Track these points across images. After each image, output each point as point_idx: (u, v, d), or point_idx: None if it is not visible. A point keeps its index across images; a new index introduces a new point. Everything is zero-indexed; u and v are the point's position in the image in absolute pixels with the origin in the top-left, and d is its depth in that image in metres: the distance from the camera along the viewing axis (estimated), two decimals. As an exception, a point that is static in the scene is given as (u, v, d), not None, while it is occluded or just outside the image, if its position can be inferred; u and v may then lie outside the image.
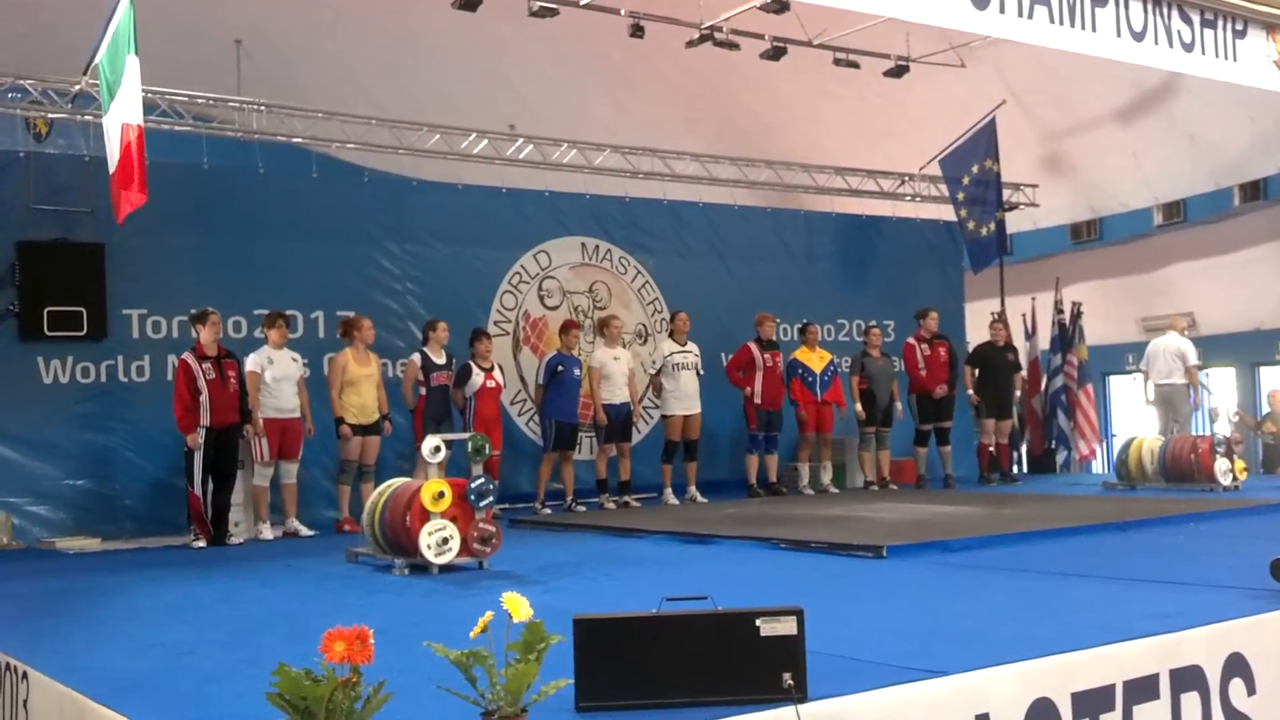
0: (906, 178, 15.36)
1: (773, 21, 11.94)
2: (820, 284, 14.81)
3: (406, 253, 12.22)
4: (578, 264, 13.34)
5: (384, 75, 15.29)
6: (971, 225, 14.88)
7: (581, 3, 11.39)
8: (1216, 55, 10.09)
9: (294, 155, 12.37)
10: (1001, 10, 8.71)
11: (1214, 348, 16.16)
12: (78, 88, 10.23)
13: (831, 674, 3.86)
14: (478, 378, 11.09)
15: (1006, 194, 15.30)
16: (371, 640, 3.07)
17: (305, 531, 10.34)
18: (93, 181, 9.94)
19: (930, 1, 8.41)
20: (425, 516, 7.22)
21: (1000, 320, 14.02)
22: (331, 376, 10.69)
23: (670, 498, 12.14)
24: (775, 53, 12.75)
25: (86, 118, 10.38)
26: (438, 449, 7.58)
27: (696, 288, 13.76)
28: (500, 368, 11.56)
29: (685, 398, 12.19)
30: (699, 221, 14.11)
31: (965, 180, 14.78)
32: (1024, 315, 16.04)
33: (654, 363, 12.41)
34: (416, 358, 11.08)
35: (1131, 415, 17.44)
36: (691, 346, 12.32)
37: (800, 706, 3.56)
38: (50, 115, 10.73)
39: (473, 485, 7.34)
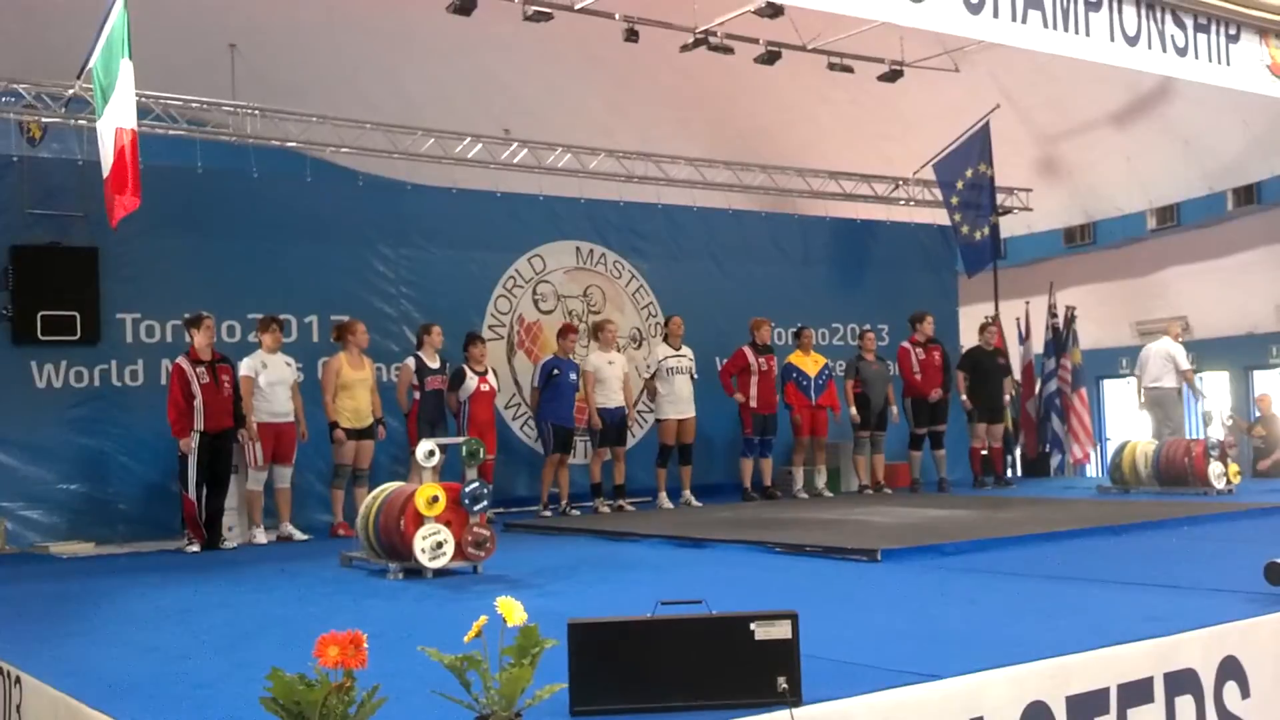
0: (901, 182, 15.38)
1: (767, 26, 11.96)
2: (815, 288, 14.82)
3: (401, 256, 12.22)
4: (572, 268, 13.35)
5: (379, 79, 15.28)
6: (965, 229, 14.90)
7: (576, 7, 11.41)
8: (1210, 60, 10.12)
9: (288, 159, 12.35)
10: (995, 15, 8.73)
11: (1208, 351, 16.19)
12: (71, 92, 10.23)
13: (826, 678, 3.86)
14: (472, 381, 11.09)
15: (1000, 198, 15.33)
16: (365, 645, 3.06)
17: (299, 536, 10.32)
18: (86, 185, 9.93)
19: (924, 6, 8.42)
20: (419, 521, 7.20)
21: (991, 324, 14.01)
22: (325, 380, 10.67)
23: (665, 502, 12.14)
24: (770, 57, 12.78)
25: (80, 122, 10.37)
26: (432, 453, 7.57)
27: (691, 292, 13.77)
28: (494, 371, 11.56)
29: (679, 402, 12.20)
30: (694, 225, 14.12)
31: (959, 184, 14.81)
32: (1018, 319, 16.06)
33: (648, 367, 12.41)
34: (411, 362, 11.08)
35: (1125, 419, 17.46)
36: (686, 350, 12.32)
37: (795, 710, 3.56)
38: (44, 119, 10.71)
39: (467, 489, 7.33)
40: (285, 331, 10.86)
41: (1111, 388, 18.97)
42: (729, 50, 12.49)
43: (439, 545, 7.20)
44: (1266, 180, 15.24)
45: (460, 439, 8.32)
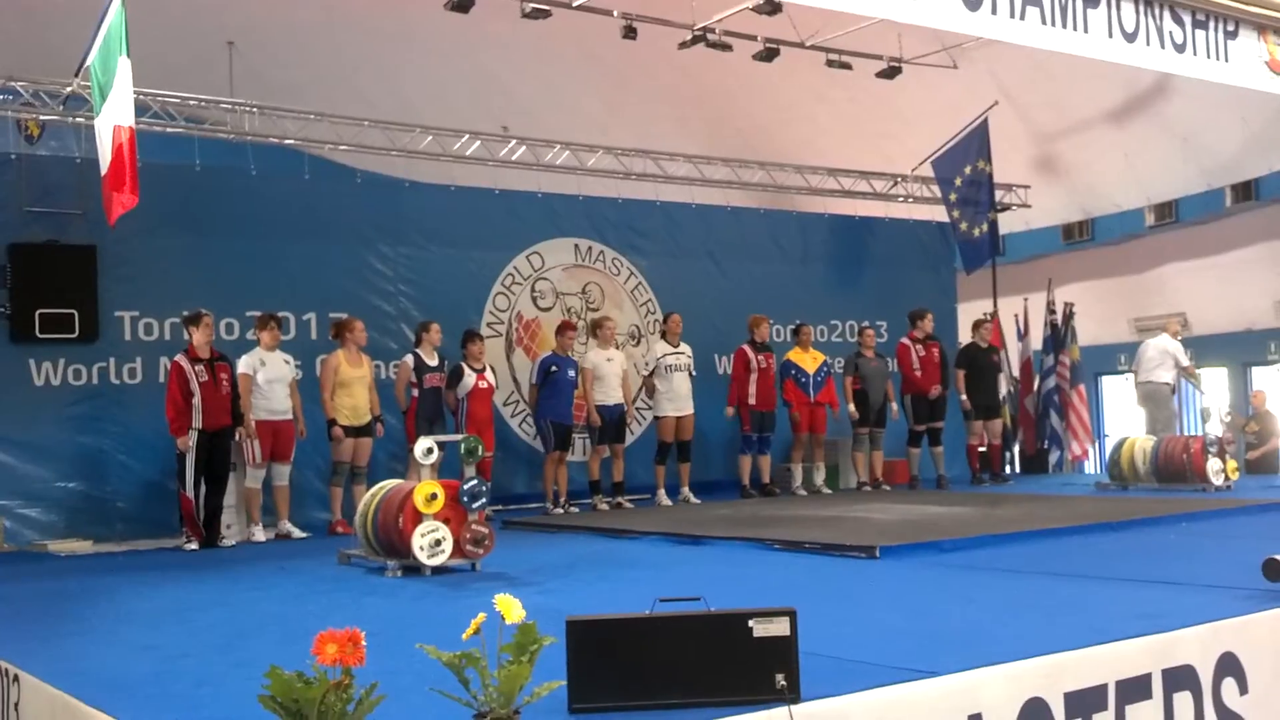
0: (899, 178, 15.38)
1: (765, 23, 11.95)
2: (813, 285, 14.82)
3: (399, 254, 12.21)
4: (571, 265, 13.34)
5: (377, 76, 15.26)
6: (964, 226, 14.91)
7: (574, 4, 11.40)
8: (1208, 56, 10.12)
9: (286, 157, 12.34)
10: (993, 11, 8.73)
11: (1206, 348, 16.20)
12: (69, 89, 10.22)
13: (824, 675, 3.86)
14: (470, 379, 11.09)
15: (999, 195, 15.33)
16: (364, 642, 3.07)
17: (297, 533, 10.32)
18: (84, 183, 9.92)
19: (922, 3, 8.42)
20: (418, 518, 7.21)
21: (986, 321, 14.01)
22: (324, 378, 10.67)
23: (663, 499, 12.14)
24: (768, 54, 12.77)
25: (78, 119, 10.35)
26: (430, 450, 7.57)
27: (689, 289, 13.77)
28: (493, 369, 11.55)
29: (678, 399, 12.20)
30: (692, 222, 14.12)
31: (957, 181, 14.81)
32: (1016, 316, 16.06)
33: (647, 364, 12.41)
34: (409, 359, 11.08)
35: (1124, 415, 17.48)
36: (684, 348, 12.32)
37: (793, 707, 3.56)
38: (42, 117, 10.70)
39: (465, 487, 7.33)
40: (284, 329, 10.87)
41: (1110, 384, 18.99)
42: (727, 47, 12.48)
43: (437, 543, 7.20)
44: (1264, 177, 15.25)
45: (459, 436, 8.32)
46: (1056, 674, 4.11)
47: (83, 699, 4.12)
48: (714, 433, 13.24)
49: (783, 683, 3.60)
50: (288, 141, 11.98)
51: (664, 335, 12.46)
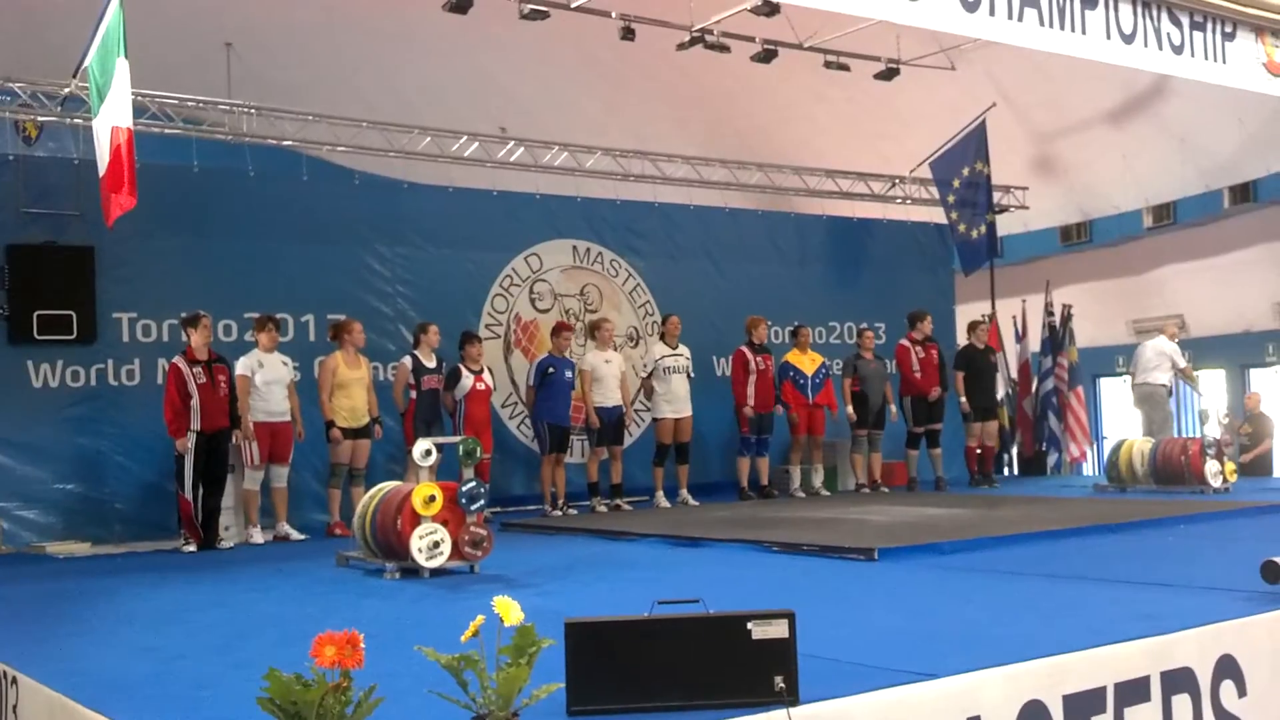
0: (897, 180, 15.39)
1: (763, 24, 11.95)
2: (811, 286, 14.82)
3: (397, 255, 12.21)
4: (569, 267, 13.34)
5: (375, 78, 15.27)
6: (962, 228, 14.92)
7: (572, 5, 11.40)
8: (1206, 57, 10.12)
9: (284, 158, 12.34)
10: (991, 13, 8.73)
11: (1204, 350, 16.20)
12: (67, 90, 10.21)
13: (823, 677, 3.86)
14: (467, 380, 11.09)
15: (997, 196, 15.34)
16: (362, 644, 3.07)
17: (296, 535, 10.31)
18: (82, 184, 9.90)
19: (921, 4, 8.41)
20: (416, 520, 7.20)
21: (982, 322, 14.00)
22: (322, 379, 10.66)
23: (662, 501, 12.13)
24: (766, 55, 12.77)
25: (76, 121, 10.35)
26: (428, 452, 7.57)
27: (688, 290, 13.77)
28: (490, 370, 11.55)
29: (676, 400, 12.19)
30: (690, 224, 14.12)
31: (955, 183, 14.82)
32: (1014, 317, 16.07)
33: (645, 366, 12.40)
34: (407, 361, 11.08)
35: (1122, 417, 17.47)
36: (683, 349, 12.32)
37: (792, 710, 3.56)
38: (40, 118, 10.69)
39: (464, 489, 7.33)
40: (282, 331, 10.87)
41: (1108, 386, 18.98)
42: (725, 49, 12.48)
43: (436, 545, 7.19)
44: (1262, 178, 15.25)
45: (457, 438, 8.31)
46: (1055, 676, 4.11)
47: (81, 701, 4.12)
48: (712, 435, 13.24)
49: (781, 685, 3.60)
50: (286, 143, 11.98)
51: (662, 337, 12.45)
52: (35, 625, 6.09)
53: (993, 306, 15.76)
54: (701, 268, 14.13)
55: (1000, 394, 14.35)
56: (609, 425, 11.81)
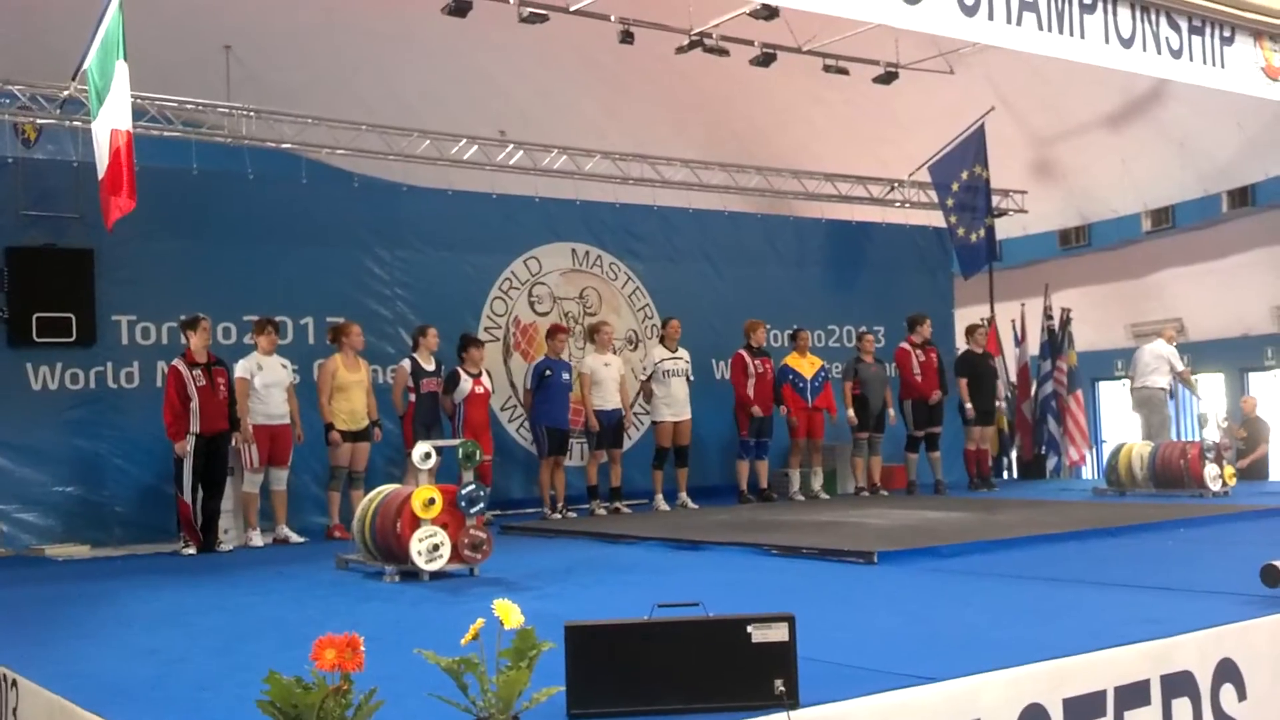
0: (896, 183, 15.40)
1: (762, 28, 11.96)
2: (810, 290, 14.83)
3: (396, 258, 12.21)
4: (568, 270, 13.34)
5: (374, 80, 15.28)
6: (961, 231, 14.93)
7: (571, 9, 11.42)
8: (1204, 62, 10.13)
9: (284, 161, 12.35)
10: (990, 17, 8.73)
11: (1203, 353, 16.21)
12: (66, 93, 10.21)
13: (823, 680, 3.86)
14: (466, 384, 11.08)
15: (995, 200, 15.35)
16: (362, 647, 3.06)
17: (295, 538, 10.30)
18: (81, 187, 9.90)
19: (919, 8, 8.42)
20: (416, 523, 7.19)
21: (980, 327, 14.00)
22: (321, 382, 10.66)
23: (661, 504, 12.13)
24: (765, 59, 12.79)
25: (75, 123, 10.36)
26: (428, 455, 7.56)
27: (687, 293, 13.77)
28: (489, 373, 11.54)
29: (676, 404, 12.19)
30: (689, 227, 14.12)
31: (954, 186, 14.83)
32: (1013, 321, 16.07)
33: (645, 369, 12.40)
34: (406, 364, 11.07)
35: (1121, 421, 17.48)
36: (682, 353, 12.32)
37: (792, 713, 3.56)
38: (39, 121, 10.69)
39: (463, 491, 7.33)
40: (281, 334, 10.87)
41: (1107, 390, 18.99)
42: (724, 52, 12.50)
43: (435, 548, 7.19)
44: (1261, 182, 15.27)
45: (456, 441, 8.31)
46: (1056, 679, 4.11)
47: (81, 704, 4.11)
48: (711, 438, 13.24)
49: (781, 688, 3.60)
50: (285, 146, 11.99)
51: (662, 340, 12.44)
52: (35, 628, 6.09)
53: (991, 310, 15.77)
54: (700, 271, 14.13)
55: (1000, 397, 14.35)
56: (608, 428, 11.81)
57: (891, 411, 13.27)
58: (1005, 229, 16.37)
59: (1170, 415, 14.11)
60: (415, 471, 7.68)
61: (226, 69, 14.20)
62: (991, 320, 15.33)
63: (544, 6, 11.37)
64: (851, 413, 13.08)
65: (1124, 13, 9.54)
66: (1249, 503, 10.84)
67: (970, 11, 8.62)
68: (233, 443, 10.02)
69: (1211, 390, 17.02)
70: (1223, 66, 10.24)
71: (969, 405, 13.43)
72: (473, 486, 7.37)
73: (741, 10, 11.49)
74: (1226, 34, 10.26)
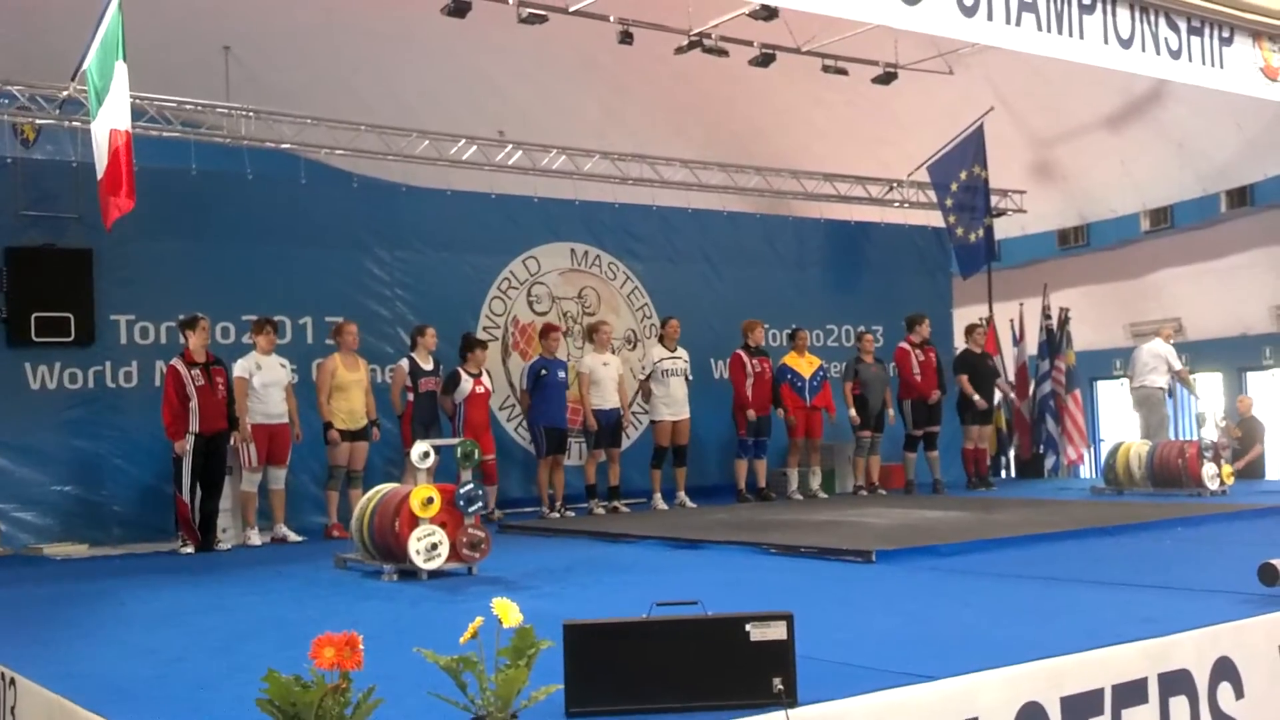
0: (895, 184, 15.40)
1: (762, 28, 11.97)
2: (809, 289, 14.83)
3: (395, 259, 12.21)
4: (567, 270, 13.35)
5: (373, 81, 15.28)
6: (960, 231, 14.93)
7: (571, 10, 11.42)
8: (1203, 62, 10.13)
9: (283, 161, 12.35)
10: (989, 17, 8.74)
11: (1201, 353, 16.21)
12: (66, 93, 10.22)
13: (821, 679, 3.86)
14: (467, 384, 11.09)
15: (994, 200, 15.35)
16: (361, 646, 3.07)
17: (293, 537, 10.30)
18: (80, 187, 9.91)
19: (919, 9, 8.42)
20: (414, 522, 7.20)
21: (979, 326, 14.01)
22: (320, 381, 10.67)
23: (659, 503, 12.14)
24: (764, 59, 12.80)
25: (74, 123, 10.36)
26: (426, 454, 7.57)
27: (685, 293, 13.78)
28: (489, 373, 11.55)
29: (674, 403, 12.19)
30: (688, 227, 14.12)
31: (953, 186, 14.84)
32: (1012, 321, 16.08)
33: (644, 368, 12.41)
34: (404, 363, 11.08)
35: (1119, 420, 17.49)
36: (681, 352, 12.32)
37: (790, 711, 3.56)
38: (38, 121, 10.69)
39: (461, 491, 7.33)
40: (280, 333, 10.88)
41: (1105, 389, 18.99)
42: (724, 53, 12.51)
43: (434, 546, 7.19)
44: (1260, 182, 15.26)
45: (455, 440, 8.32)
46: (1053, 678, 4.11)
47: (80, 703, 4.12)
48: (710, 437, 13.24)
49: (780, 687, 3.61)
50: (284, 146, 11.99)
51: (661, 340, 12.45)
52: (34, 627, 6.09)
53: (990, 310, 15.77)
54: (699, 271, 14.14)
55: (997, 398, 14.35)
56: (607, 428, 11.82)
57: (891, 411, 13.28)
58: (1004, 229, 16.38)
59: (1169, 414, 14.12)
60: (414, 471, 7.69)
61: (226, 69, 14.20)
62: (990, 320, 15.33)
63: (543, 7, 11.37)
64: (853, 412, 13.08)
65: (1123, 13, 9.55)
66: (1247, 502, 10.85)
67: (969, 12, 8.62)
68: (231, 442, 10.02)
69: (1210, 390, 17.02)
70: (1221, 67, 10.25)
71: (976, 397, 13.42)
72: (471, 485, 7.38)
73: (741, 11, 11.50)
74: (1225, 34, 10.26)
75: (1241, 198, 15.52)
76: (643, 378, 12.38)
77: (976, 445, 13.75)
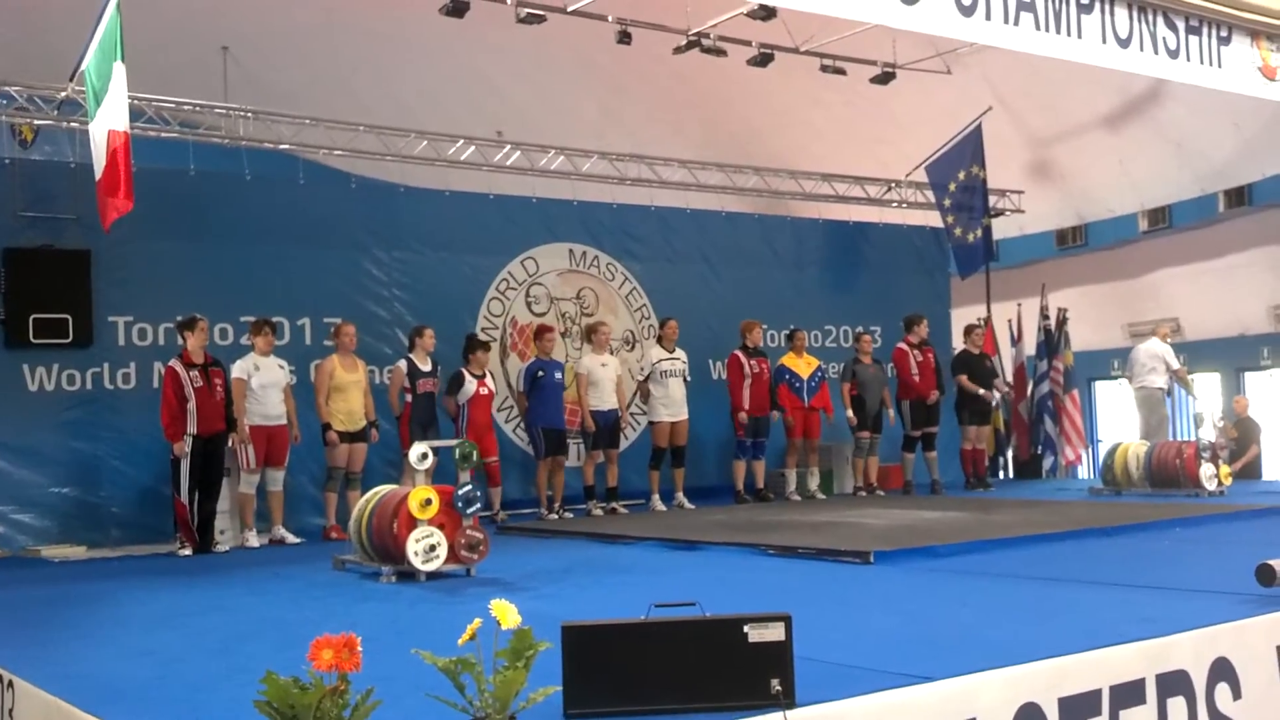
0: (893, 184, 15.40)
1: (760, 28, 11.98)
2: (807, 290, 14.83)
3: (394, 259, 12.21)
4: (565, 270, 13.34)
5: (372, 81, 15.28)
6: (958, 231, 14.94)
7: (569, 10, 11.42)
8: (1201, 62, 10.13)
9: (281, 161, 12.35)
10: (987, 17, 8.74)
11: (1199, 353, 16.22)
12: (64, 94, 10.21)
13: (819, 680, 3.86)
14: (470, 385, 11.09)
15: (993, 200, 15.36)
16: (359, 648, 3.07)
17: (292, 539, 10.30)
18: (79, 188, 9.91)
19: (917, 8, 8.42)
20: (412, 523, 7.20)
21: (978, 327, 14.01)
22: (318, 383, 10.67)
23: (658, 504, 12.13)
24: (763, 59, 12.81)
25: (73, 124, 10.36)
26: (425, 456, 7.57)
27: (684, 294, 13.77)
28: (491, 375, 11.55)
29: (673, 404, 12.19)
30: (687, 228, 14.12)
31: (951, 186, 14.84)
32: (1010, 321, 16.09)
33: (642, 369, 12.41)
34: (402, 364, 11.07)
35: (1117, 421, 17.50)
36: (679, 353, 12.32)
37: (788, 713, 3.56)
38: (36, 121, 10.69)
39: (460, 492, 7.33)
40: (278, 334, 10.88)
41: (1103, 389, 19.01)
42: (722, 53, 12.51)
43: (432, 548, 7.19)
44: (1258, 182, 15.28)
45: (453, 441, 8.31)
46: (1051, 678, 4.11)
47: (78, 704, 4.12)
48: (708, 438, 13.24)
49: (778, 688, 3.61)
50: (282, 146, 11.98)
51: (660, 340, 12.45)
52: (31, 628, 6.08)
53: (988, 310, 15.78)
54: (698, 271, 14.13)
55: (996, 398, 14.36)
56: (605, 429, 11.82)
57: (890, 412, 13.28)
58: (1002, 229, 16.39)
59: (1168, 415, 14.13)
60: (412, 472, 7.69)
61: (224, 70, 14.19)
62: (988, 320, 15.34)
63: (541, 7, 11.37)
64: (851, 413, 13.08)
65: (1121, 13, 9.55)
66: (1244, 502, 10.85)
67: (968, 11, 8.62)
68: (229, 443, 10.02)
69: (1208, 390, 17.03)
70: (1220, 66, 10.25)
71: (981, 391, 13.42)
72: (469, 487, 7.37)
73: (739, 10, 11.50)
74: (1223, 34, 10.27)
75: (1239, 197, 15.53)
76: (641, 379, 12.38)
77: (975, 446, 13.76)
